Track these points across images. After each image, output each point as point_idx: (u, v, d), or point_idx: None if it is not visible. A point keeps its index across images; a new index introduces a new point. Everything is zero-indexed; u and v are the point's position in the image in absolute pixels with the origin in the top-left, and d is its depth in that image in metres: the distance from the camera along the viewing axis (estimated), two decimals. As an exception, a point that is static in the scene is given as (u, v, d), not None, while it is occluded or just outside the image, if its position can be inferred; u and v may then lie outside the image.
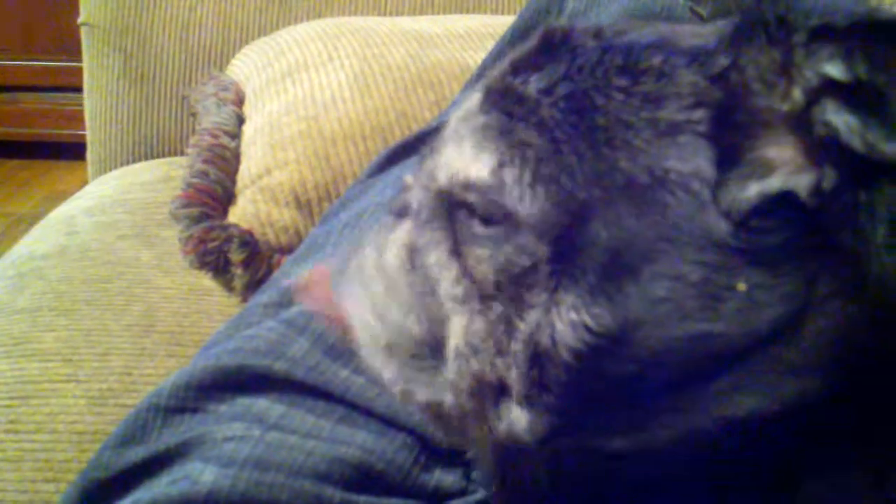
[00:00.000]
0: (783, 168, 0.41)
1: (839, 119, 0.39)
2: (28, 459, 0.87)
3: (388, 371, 0.55)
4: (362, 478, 0.69)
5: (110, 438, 0.73)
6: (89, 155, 1.67)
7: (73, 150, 2.55)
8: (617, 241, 0.44)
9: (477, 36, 1.42)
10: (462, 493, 0.71)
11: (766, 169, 0.42)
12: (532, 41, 0.51)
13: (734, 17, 0.46)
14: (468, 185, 0.49)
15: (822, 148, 0.40)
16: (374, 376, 0.57)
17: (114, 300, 1.10)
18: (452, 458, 0.71)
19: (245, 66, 1.45)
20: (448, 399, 0.52)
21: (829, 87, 0.39)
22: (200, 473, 0.67)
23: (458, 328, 0.50)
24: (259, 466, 0.67)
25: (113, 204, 1.38)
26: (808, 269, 0.42)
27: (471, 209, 0.49)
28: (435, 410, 0.54)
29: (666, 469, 0.48)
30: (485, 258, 0.48)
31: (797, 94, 0.41)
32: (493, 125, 0.48)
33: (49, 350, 1.00)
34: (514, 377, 0.48)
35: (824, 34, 0.39)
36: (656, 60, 0.45)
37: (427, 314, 0.53)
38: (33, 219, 1.66)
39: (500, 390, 0.49)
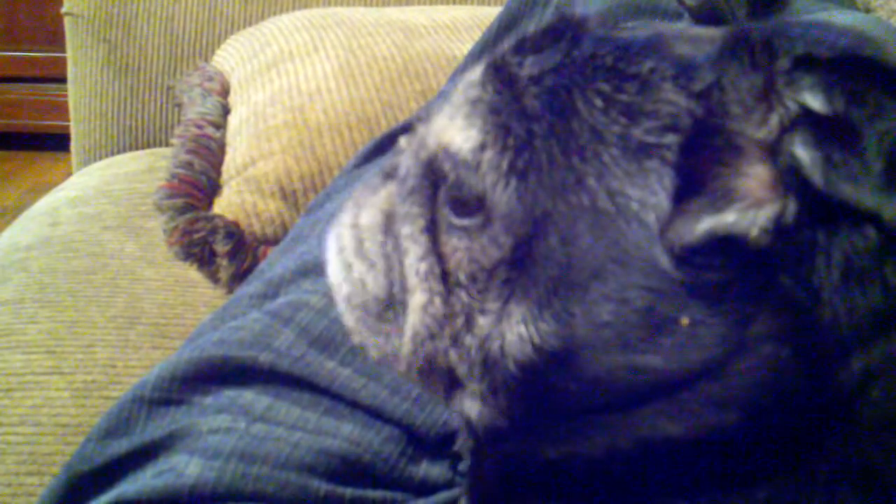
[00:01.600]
0: (743, 201, 0.41)
1: (805, 152, 0.38)
2: (11, 452, 0.87)
3: (348, 320, 0.57)
4: (348, 470, 0.68)
5: (94, 431, 0.73)
6: (73, 146, 1.66)
7: (57, 141, 2.53)
8: (570, 259, 0.44)
9: (464, 26, 1.42)
10: (449, 484, 0.71)
11: (726, 201, 0.41)
12: (548, 19, 0.51)
13: (726, 26, 0.45)
14: (449, 153, 0.49)
15: (787, 180, 0.39)
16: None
17: (98, 292, 1.10)
18: (440, 449, 0.71)
19: (230, 57, 1.44)
20: (402, 366, 0.53)
21: (805, 119, 0.39)
22: (185, 466, 0.67)
23: (418, 305, 0.51)
24: (244, 459, 0.67)
25: (97, 195, 1.37)
26: (748, 308, 0.41)
27: (449, 192, 0.49)
28: (389, 367, 0.55)
29: (589, 479, 0.48)
30: (460, 248, 0.49)
31: (773, 121, 0.40)
32: (486, 100, 0.49)
33: (33, 342, 0.99)
34: (464, 372, 0.49)
35: (808, 63, 0.39)
36: (645, 67, 0.45)
37: (390, 278, 0.54)
38: (17, 210, 1.65)
39: (453, 379, 0.51)
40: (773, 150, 0.40)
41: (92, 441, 0.72)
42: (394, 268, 0.54)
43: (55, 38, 2.03)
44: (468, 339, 0.48)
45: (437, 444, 0.71)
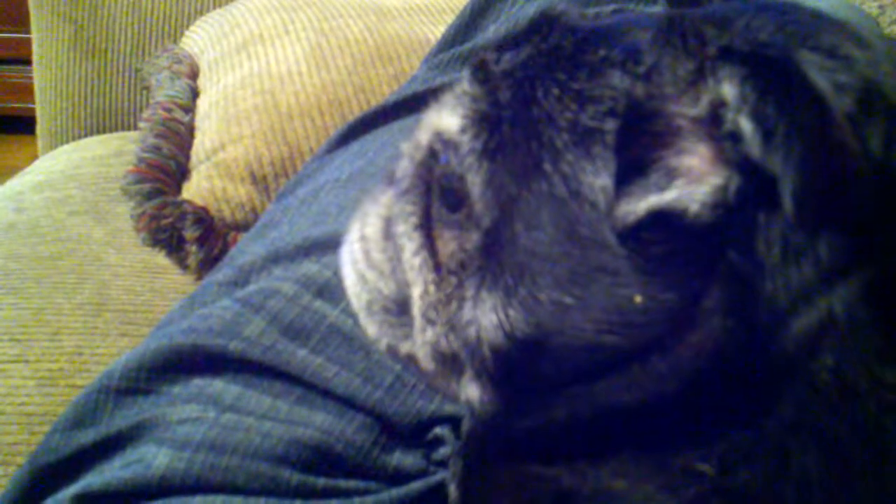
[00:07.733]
0: (684, 177, 0.42)
1: (745, 123, 0.39)
2: (-25, 442, 0.85)
3: (371, 328, 0.60)
4: (321, 459, 0.68)
5: (60, 421, 0.71)
6: (39, 129, 1.64)
7: (22, 124, 2.50)
8: (533, 245, 0.46)
9: (436, 9, 1.41)
10: (423, 474, 0.70)
11: (668, 180, 0.43)
12: (529, 20, 0.54)
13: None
14: (439, 135, 0.53)
15: (728, 154, 0.41)
16: (365, 336, 0.62)
17: (64, 278, 1.08)
18: (413, 438, 0.71)
19: (199, 39, 1.42)
20: (420, 362, 0.56)
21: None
22: (154, 457, 0.66)
23: (417, 297, 0.54)
24: (214, 449, 0.66)
25: (63, 179, 1.35)
26: (698, 283, 0.43)
27: (440, 183, 0.52)
28: (415, 364, 0.58)
29: (555, 443, 0.50)
30: (452, 239, 0.51)
31: (704, 101, 0.42)
32: (470, 93, 0.52)
33: (-4, 330, 0.97)
34: (464, 355, 0.51)
35: (727, 55, 0.41)
36: (599, 54, 0.47)
37: (396, 278, 0.57)
38: (-19, 194, 1.62)
39: (458, 364, 0.52)
40: (713, 125, 0.42)
41: (58, 432, 0.70)
42: (397, 269, 0.57)
43: (20, 19, 2.00)
44: (458, 324, 0.50)
45: (411, 433, 0.71)
